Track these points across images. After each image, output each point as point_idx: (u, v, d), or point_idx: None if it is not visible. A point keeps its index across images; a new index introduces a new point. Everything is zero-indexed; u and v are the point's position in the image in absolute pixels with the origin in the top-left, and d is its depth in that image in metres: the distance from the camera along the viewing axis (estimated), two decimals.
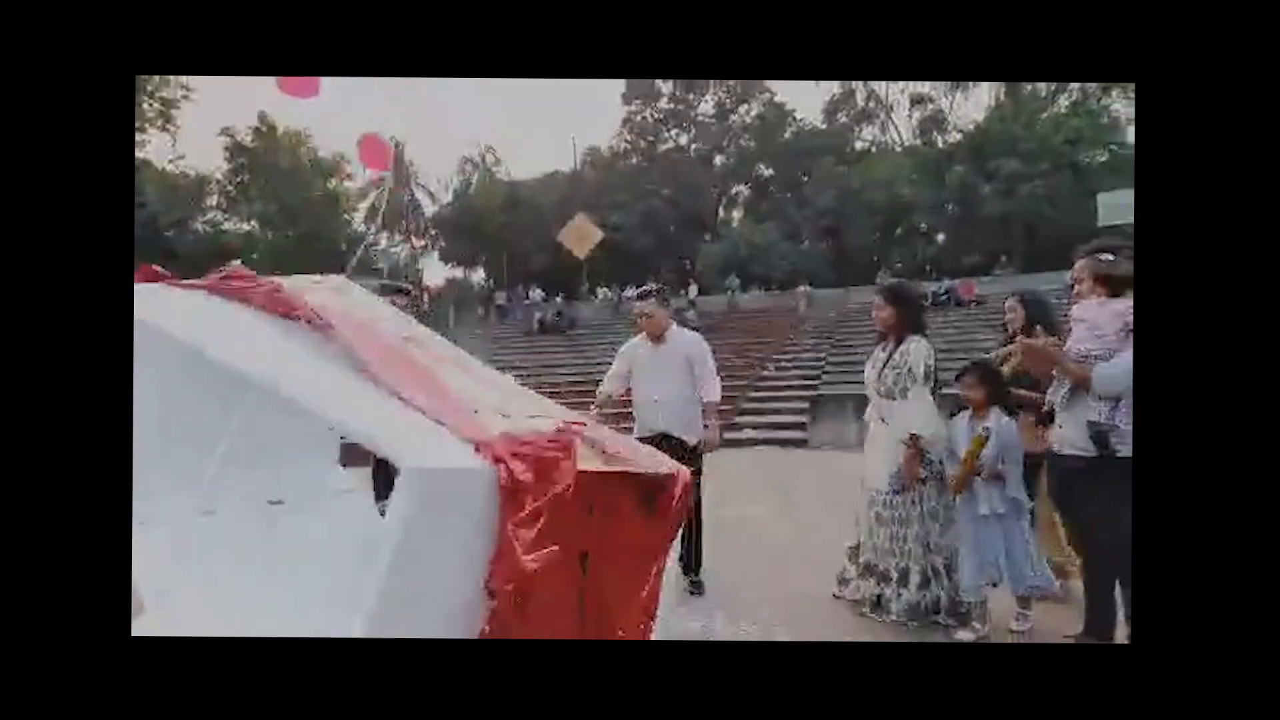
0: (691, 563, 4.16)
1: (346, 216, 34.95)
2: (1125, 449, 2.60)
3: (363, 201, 35.97)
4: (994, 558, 3.19)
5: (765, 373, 15.05)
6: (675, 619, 3.74)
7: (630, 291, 4.52)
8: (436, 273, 39.55)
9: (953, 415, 3.45)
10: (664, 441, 4.02)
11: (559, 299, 24.12)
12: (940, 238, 29.22)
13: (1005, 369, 3.49)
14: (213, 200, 30.20)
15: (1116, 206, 16.38)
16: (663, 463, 1.85)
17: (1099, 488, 2.69)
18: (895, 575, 3.42)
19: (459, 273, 38.24)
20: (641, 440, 4.11)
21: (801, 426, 11.23)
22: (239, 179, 31.15)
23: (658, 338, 4.10)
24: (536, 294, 25.41)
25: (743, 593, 4.03)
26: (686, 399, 4.07)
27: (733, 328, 19.63)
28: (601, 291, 23.31)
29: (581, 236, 23.03)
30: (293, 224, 30.02)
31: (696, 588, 4.11)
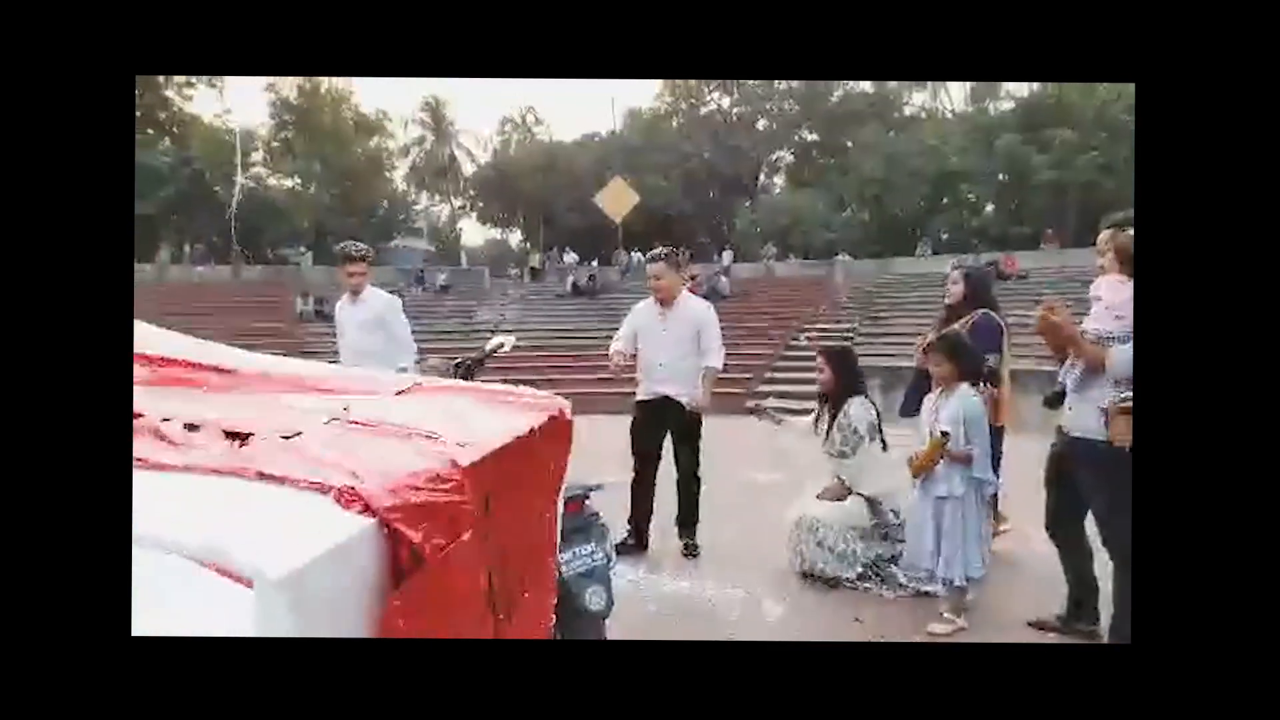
0: (687, 523, 4.19)
1: (387, 175, 35.25)
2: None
3: (403, 160, 36.24)
4: (935, 545, 3.14)
5: (794, 342, 14.89)
6: (665, 579, 3.79)
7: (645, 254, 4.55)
8: (475, 234, 39.85)
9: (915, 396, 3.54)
10: (665, 404, 4.05)
11: (593, 263, 24.09)
12: (989, 209, 28.35)
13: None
14: (258, 156, 30.62)
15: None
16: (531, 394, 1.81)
17: (1115, 474, 2.61)
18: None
19: (496, 233, 38.48)
20: (643, 403, 4.15)
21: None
22: (283, 134, 31.58)
23: (667, 302, 4.08)
24: (571, 257, 25.41)
25: (737, 559, 4.04)
26: (690, 365, 4.10)
27: (765, 295, 19.43)
28: (620, 255, 23.06)
29: (617, 199, 22.91)
30: (335, 181, 30.38)
31: (691, 550, 4.15)
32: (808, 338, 14.98)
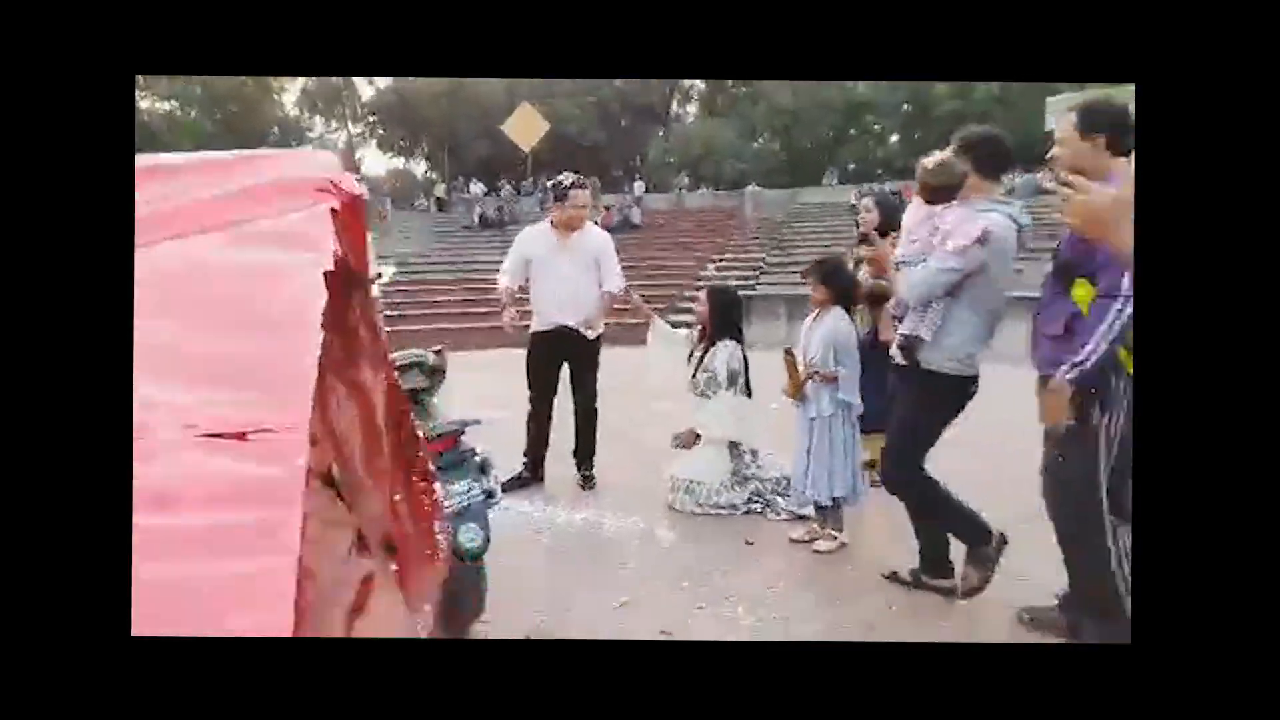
0: (584, 455, 4.14)
1: (276, 98, 32.86)
2: (931, 361, 2.54)
3: (293, 83, 33.78)
4: (805, 465, 3.21)
5: (703, 272, 14.93)
6: (561, 511, 3.75)
7: (562, 178, 4.19)
8: (377, 163, 37.88)
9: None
10: (563, 334, 3.94)
11: (502, 193, 23.33)
12: (894, 139, 28.83)
13: (862, 273, 3.47)
14: None
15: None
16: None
17: (904, 394, 2.68)
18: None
19: (399, 162, 36.70)
20: (540, 333, 4.02)
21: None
22: None
23: (566, 229, 3.93)
24: (478, 187, 24.54)
25: (633, 489, 4.03)
26: (589, 293, 4.00)
27: (676, 226, 19.34)
28: (543, 183, 22.48)
29: (527, 127, 22.05)
30: (218, 105, 28.08)
31: (587, 482, 4.12)
32: (716, 269, 15.04)
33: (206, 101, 27.56)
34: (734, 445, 3.79)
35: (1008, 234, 2.47)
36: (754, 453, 3.83)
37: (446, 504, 2.26)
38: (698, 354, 3.91)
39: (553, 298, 3.97)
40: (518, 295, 4.08)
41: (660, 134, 32.03)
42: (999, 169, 2.58)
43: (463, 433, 2.41)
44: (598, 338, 4.08)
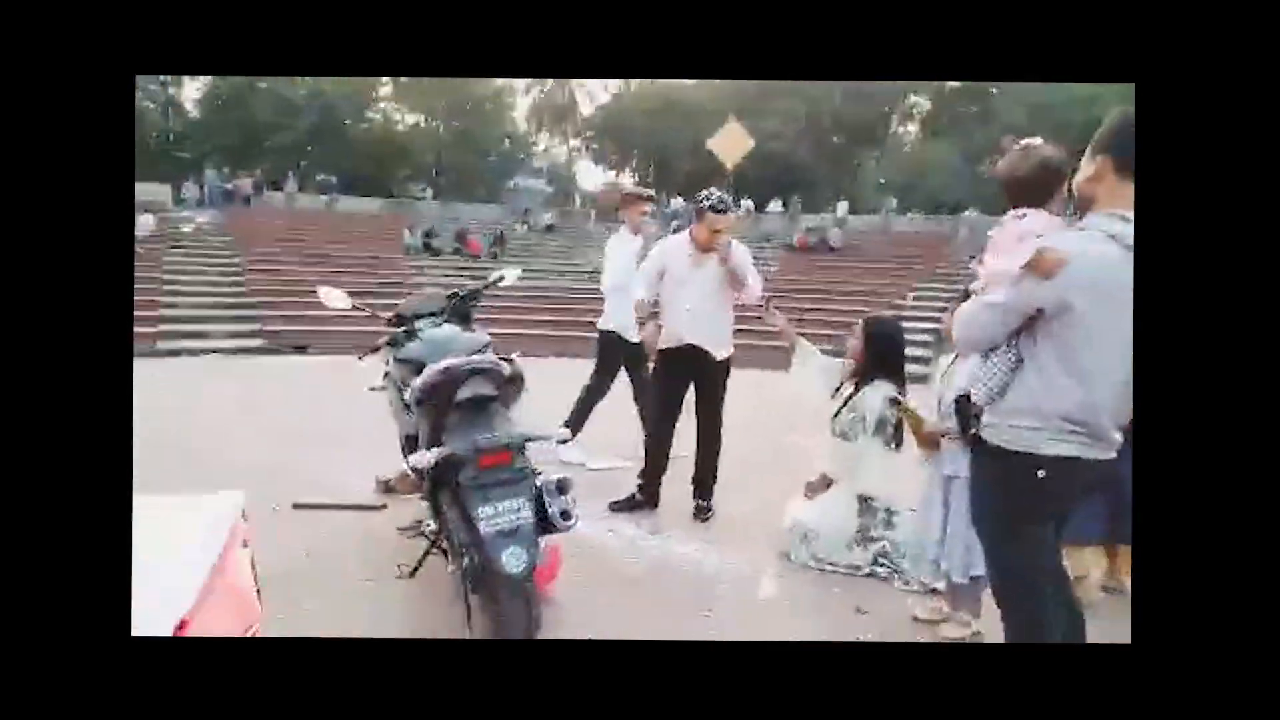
0: (703, 484, 3.88)
1: (509, 113, 35.57)
2: (989, 430, 1.88)
3: (524, 98, 36.40)
4: (942, 527, 2.69)
5: (900, 301, 13.93)
6: (668, 543, 3.49)
7: (706, 194, 3.90)
8: (592, 177, 39.80)
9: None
10: (692, 354, 3.70)
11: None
12: None
13: None
14: (384, 90, 31.55)
15: None
16: None
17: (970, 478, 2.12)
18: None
19: (611, 176, 38.26)
20: (666, 350, 3.80)
21: (925, 360, 10.33)
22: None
23: (708, 250, 3.68)
24: (677, 202, 24.86)
25: (753, 531, 3.67)
26: (721, 310, 3.74)
27: (877, 251, 18.29)
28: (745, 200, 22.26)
29: (732, 144, 21.97)
30: (456, 116, 30.95)
31: (703, 513, 3.84)
32: (914, 298, 13.99)
33: (447, 113, 30.43)
34: (866, 500, 3.31)
35: (1104, 262, 1.67)
36: (890, 512, 3.29)
37: (493, 522, 2.12)
38: (846, 390, 3.43)
39: (684, 315, 3.72)
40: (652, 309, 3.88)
41: (875, 155, 30.67)
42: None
43: (523, 448, 2.25)
44: (727, 359, 3.79)
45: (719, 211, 3.61)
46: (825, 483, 3.44)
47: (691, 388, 3.84)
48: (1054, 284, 1.69)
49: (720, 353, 3.76)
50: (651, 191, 4.12)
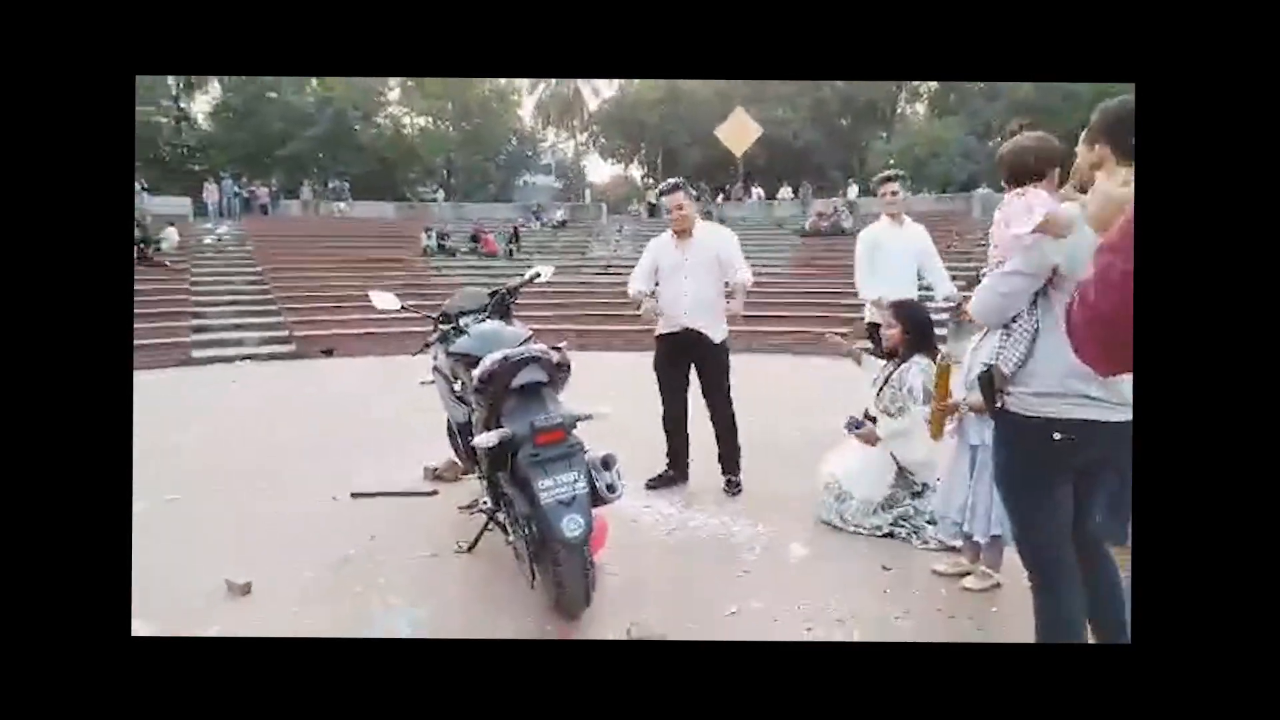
0: (728, 462, 4.12)
1: (516, 111, 35.74)
2: (1011, 400, 1.99)
3: (530, 96, 36.54)
4: (966, 494, 2.88)
5: None
6: (700, 515, 3.74)
7: (661, 187, 4.27)
8: (600, 171, 39.91)
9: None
10: (688, 337, 3.96)
11: (718, 199, 23.60)
12: None
13: None
14: (393, 94, 31.85)
15: None
16: None
17: (994, 447, 2.25)
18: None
19: (620, 169, 38.39)
20: (666, 335, 4.06)
21: (940, 339, 10.46)
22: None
23: (684, 233, 3.98)
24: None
25: (781, 501, 3.91)
26: (712, 295, 4.02)
27: None
28: (754, 189, 22.31)
29: (739, 132, 22.13)
30: (464, 117, 31.19)
31: (732, 488, 4.07)
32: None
33: (455, 114, 30.66)
34: (906, 473, 3.51)
35: None
36: (924, 486, 3.47)
37: (553, 493, 2.37)
38: (885, 371, 3.62)
39: (677, 302, 4.00)
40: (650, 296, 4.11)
41: (883, 136, 30.61)
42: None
43: (575, 426, 2.50)
44: (724, 341, 4.04)
45: (665, 193, 4.01)
46: (874, 435, 3.59)
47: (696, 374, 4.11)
48: (1067, 241, 1.79)
49: (716, 335, 4.01)
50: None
